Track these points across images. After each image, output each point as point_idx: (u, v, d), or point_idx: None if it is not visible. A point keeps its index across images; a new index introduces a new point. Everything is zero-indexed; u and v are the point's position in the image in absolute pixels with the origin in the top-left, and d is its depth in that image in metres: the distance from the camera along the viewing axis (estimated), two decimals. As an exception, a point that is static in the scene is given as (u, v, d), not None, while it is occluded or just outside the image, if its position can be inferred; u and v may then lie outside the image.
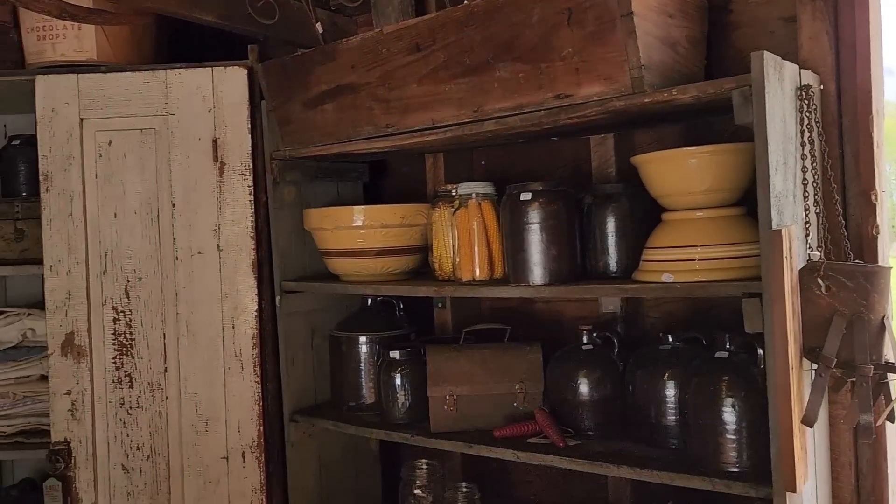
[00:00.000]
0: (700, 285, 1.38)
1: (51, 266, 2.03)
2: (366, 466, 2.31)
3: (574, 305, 2.05)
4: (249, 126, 2.03)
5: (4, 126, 2.59)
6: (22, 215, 2.22)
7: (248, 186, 2.03)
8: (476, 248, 1.71)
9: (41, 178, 2.03)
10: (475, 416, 1.81)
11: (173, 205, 2.03)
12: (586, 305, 2.01)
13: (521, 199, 1.60)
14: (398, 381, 1.92)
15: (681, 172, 1.42)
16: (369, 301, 2.14)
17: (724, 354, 1.43)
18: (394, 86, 1.73)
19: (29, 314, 2.25)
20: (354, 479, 2.26)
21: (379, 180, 2.41)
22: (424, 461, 2.06)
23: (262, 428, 2.03)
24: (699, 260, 1.39)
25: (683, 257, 1.40)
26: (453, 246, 1.78)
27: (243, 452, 2.03)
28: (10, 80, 2.05)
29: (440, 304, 2.17)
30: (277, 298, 2.07)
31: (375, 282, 1.96)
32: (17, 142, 2.39)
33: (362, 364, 2.05)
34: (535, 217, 1.59)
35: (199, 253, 2.03)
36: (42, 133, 2.03)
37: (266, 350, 2.07)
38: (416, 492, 2.00)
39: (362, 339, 2.05)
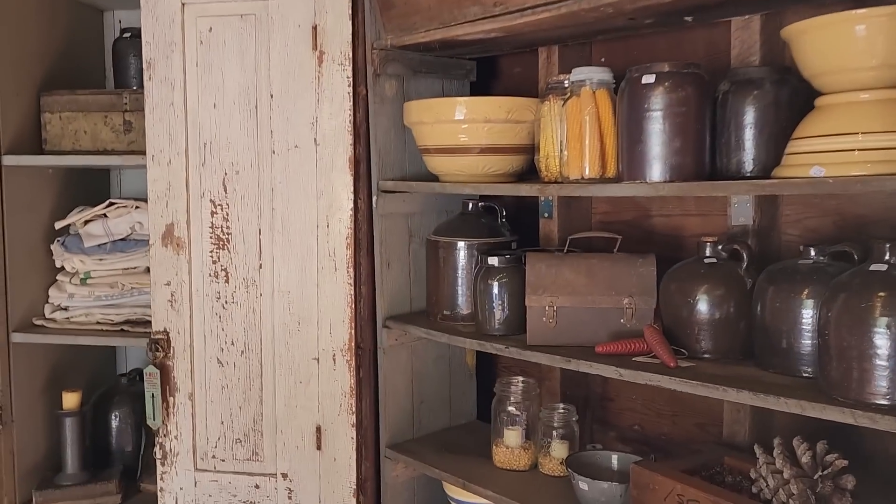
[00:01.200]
0: (859, 180, 1.14)
1: (153, 156, 2.01)
2: (460, 380, 2.21)
3: (696, 220, 1.82)
4: (350, 12, 1.90)
5: (120, 21, 2.60)
6: (130, 107, 2.22)
7: (348, 78, 1.92)
8: (587, 142, 1.52)
9: (144, 65, 1.99)
10: (576, 330, 1.65)
11: (271, 96, 1.95)
12: (711, 220, 1.78)
13: (644, 81, 1.39)
14: (496, 289, 1.78)
15: (845, 43, 1.16)
16: (470, 206, 2.00)
17: (882, 267, 1.18)
18: (503, -43, 1.54)
19: (137, 207, 2.27)
20: (447, 392, 2.17)
21: (488, 80, 2.23)
22: (520, 378, 1.93)
23: (353, 331, 1.97)
24: (860, 150, 1.14)
25: (840, 147, 1.15)
26: (561, 142, 1.59)
27: (334, 355, 1.97)
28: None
29: (546, 215, 2.00)
30: (374, 198, 1.97)
31: (476, 182, 1.81)
32: (129, 35, 2.39)
33: (459, 271, 1.92)
34: (658, 103, 1.38)
35: (296, 147, 1.95)
36: (146, 18, 1.99)
37: (360, 252, 1.98)
38: (510, 409, 1.88)
39: (461, 244, 1.92)
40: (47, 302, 2.30)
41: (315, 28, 1.92)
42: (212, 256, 2.01)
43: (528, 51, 2.05)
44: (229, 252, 2.01)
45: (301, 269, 1.97)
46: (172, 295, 2.03)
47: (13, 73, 2.17)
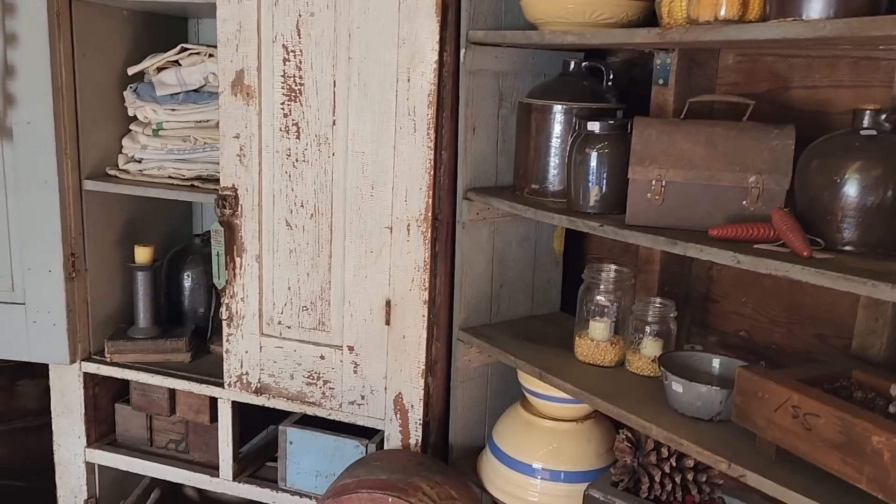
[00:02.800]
0: None
1: (223, -8, 1.82)
2: (545, 265, 2.01)
3: (849, 93, 1.49)
4: None
5: None
6: (204, -58, 2.01)
7: None
8: (726, -25, 1.21)
9: None
10: (687, 210, 1.39)
11: (353, -75, 1.70)
12: (869, 93, 1.46)
13: None
14: (594, 160, 1.54)
15: None
16: (571, 66, 1.72)
17: None
18: None
19: (210, 55, 2.11)
20: (531, 277, 1.97)
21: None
22: (613, 266, 1.70)
23: (431, 201, 1.78)
24: None
25: None
26: (692, -23, 1.29)
27: (408, 225, 1.80)
28: None
29: (660, 81, 1.70)
30: (462, 51, 1.73)
31: (581, 30, 1.53)
32: None
33: (554, 140, 1.68)
34: (827, -85, 1.06)
35: (378, -14, 1.71)
36: None
37: (443, 112, 1.76)
38: (599, 298, 1.67)
39: (557, 108, 1.66)
40: (121, 152, 2.22)
41: None
42: (283, 109, 1.84)
43: None
44: (301, 105, 1.83)
45: (377, 127, 1.78)
46: (241, 149, 1.89)
47: None
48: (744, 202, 1.36)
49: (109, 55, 2.16)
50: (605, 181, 1.54)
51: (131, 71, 2.17)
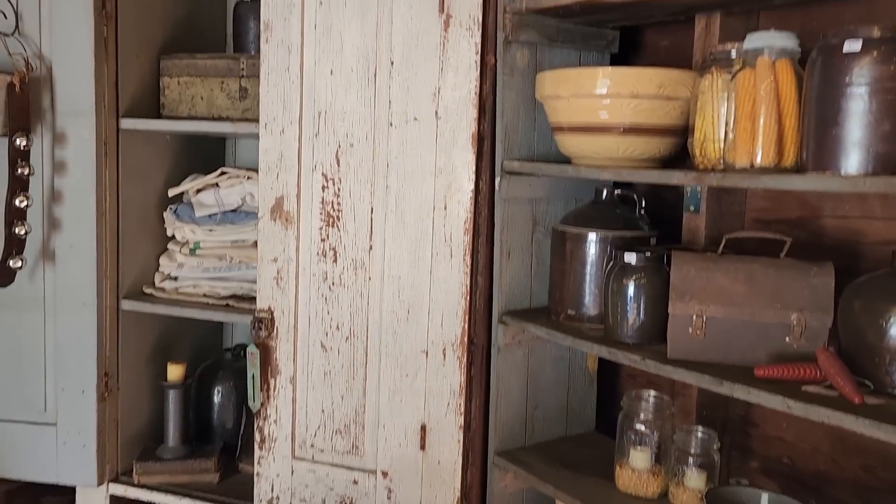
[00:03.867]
0: None
1: (265, 124, 1.90)
2: (579, 385, 2.00)
3: (881, 225, 1.52)
4: (482, -30, 1.71)
5: (242, -15, 2.52)
6: (247, 72, 2.12)
7: (475, 45, 1.73)
8: (761, 122, 1.26)
9: (262, 26, 1.88)
10: (729, 346, 1.40)
11: (391, 63, 1.79)
12: (900, 225, 1.48)
13: (846, 50, 1.12)
14: (631, 290, 1.55)
15: None
16: (604, 193, 1.77)
17: None
18: None
19: (249, 177, 2.18)
20: (565, 397, 1.96)
21: (630, 54, 1.98)
22: (652, 392, 1.69)
23: (467, 325, 1.79)
24: None
25: None
26: (726, 122, 1.34)
27: (444, 349, 1.81)
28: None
29: (691, 208, 1.74)
30: (497, 180, 1.78)
31: (616, 166, 1.58)
32: (250, -1, 2.29)
33: (589, 267, 1.70)
34: (863, 77, 1.10)
35: (415, 119, 1.78)
36: (265, -23, 1.87)
37: (479, 238, 1.80)
38: (639, 427, 1.65)
39: (592, 235, 1.70)
40: (157, 270, 2.26)
41: (443, -12, 1.73)
42: (321, 234, 1.89)
43: (681, 19, 1.79)
44: (339, 230, 1.87)
45: (414, 253, 1.81)
46: (279, 272, 1.93)
47: (136, 35, 2.12)
48: (787, 339, 1.36)
49: (151, 178, 2.24)
50: (643, 311, 1.55)
51: (172, 193, 2.24)
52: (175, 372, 2.17)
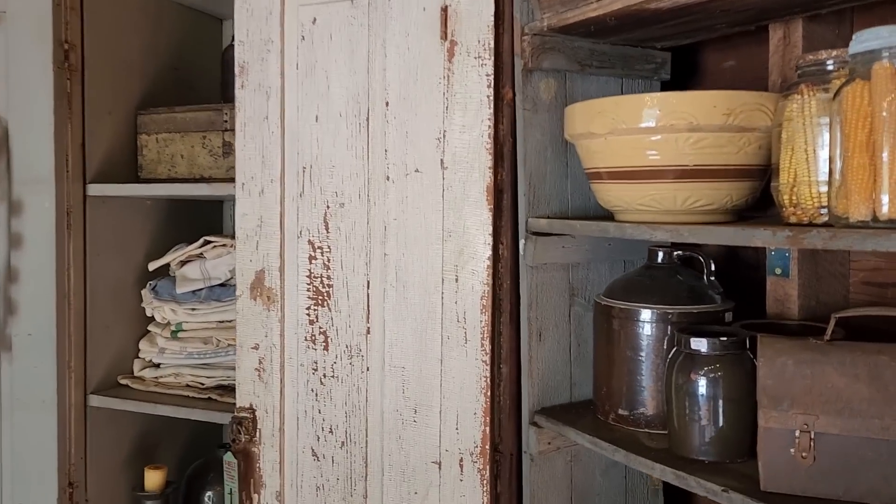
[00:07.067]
0: None
1: (242, 184, 1.58)
2: (639, 497, 1.57)
3: None
4: (492, -16, 1.37)
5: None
6: (230, 125, 1.82)
7: (487, 76, 1.38)
8: (885, 153, 0.86)
9: (237, 70, 1.58)
10: (853, 475, 0.97)
11: (386, 104, 1.45)
12: None
13: None
14: (703, 388, 1.15)
15: None
16: (660, 255, 1.37)
17: None
18: None
19: (234, 245, 1.86)
20: (622, 519, 1.54)
21: (685, 80, 1.60)
22: (737, 520, 1.26)
23: (489, 428, 1.40)
24: None
25: None
26: (830, 158, 0.94)
27: (461, 459, 1.42)
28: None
29: (777, 271, 1.33)
30: (522, 243, 1.41)
31: (674, 222, 1.19)
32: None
33: (644, 352, 1.30)
34: None
35: (416, 171, 1.44)
36: (239, 12, 1.58)
37: (501, 317, 1.42)
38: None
39: (646, 313, 1.30)
40: (137, 356, 1.95)
41: (445, 9, 1.40)
42: (308, 315, 1.54)
43: (751, 30, 1.41)
44: (329, 310, 1.52)
45: (420, 337, 1.44)
46: (261, 362, 1.58)
47: (108, 89, 1.86)
48: (939, 466, 0.93)
49: (129, 250, 1.95)
50: (721, 416, 1.14)
51: (152, 266, 1.94)
52: (153, 479, 1.83)
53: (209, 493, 1.98)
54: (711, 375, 1.15)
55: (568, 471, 1.47)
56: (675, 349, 1.21)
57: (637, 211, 1.24)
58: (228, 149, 1.83)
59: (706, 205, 1.19)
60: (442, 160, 1.42)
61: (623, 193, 1.24)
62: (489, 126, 1.38)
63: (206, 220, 2.19)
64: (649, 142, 1.17)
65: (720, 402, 1.14)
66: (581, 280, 1.49)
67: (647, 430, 1.29)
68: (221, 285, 1.91)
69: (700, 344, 1.16)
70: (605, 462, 1.51)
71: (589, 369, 1.48)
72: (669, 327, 1.28)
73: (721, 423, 1.15)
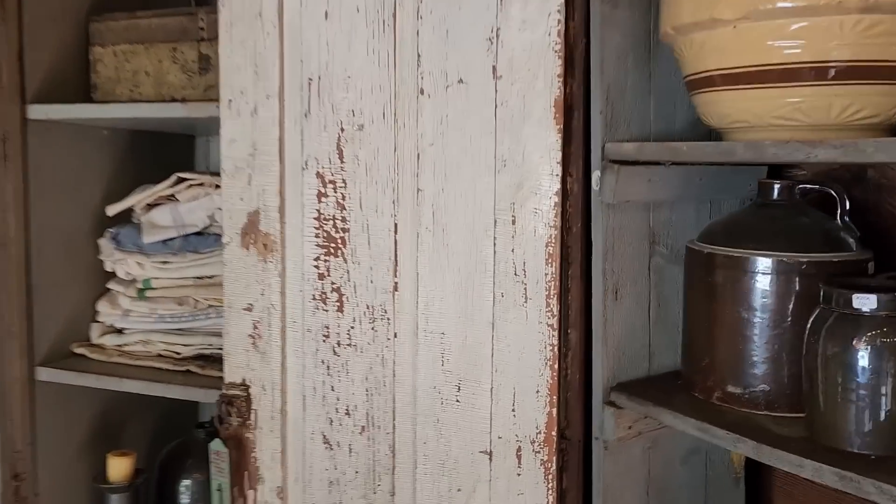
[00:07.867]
0: None
1: (230, 101, 1.24)
2: (720, 487, 1.31)
3: None
4: None
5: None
6: (209, 34, 1.47)
7: (557, -46, 1.05)
8: None
9: (219, -47, 1.22)
10: None
11: (421, -7, 1.12)
12: None
13: None
14: (865, 359, 0.87)
15: None
16: (775, 190, 1.08)
17: None
18: None
19: (217, 185, 1.52)
20: (706, 515, 1.27)
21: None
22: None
23: (555, 410, 1.11)
24: None
25: None
26: None
27: (519, 448, 1.12)
28: None
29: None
30: (596, 174, 1.10)
31: (816, 139, 0.89)
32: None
33: (758, 313, 1.01)
34: None
35: (460, 82, 1.11)
36: None
37: (569, 269, 1.12)
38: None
39: (765, 262, 1.01)
40: (95, 320, 1.61)
41: None
42: (317, 267, 1.22)
43: None
44: (345, 261, 1.20)
45: (464, 295, 1.13)
46: (256, 327, 1.26)
47: (50, -12, 1.48)
48: None
49: (82, 191, 1.59)
50: (888, 398, 0.86)
51: (111, 211, 1.59)
52: (118, 467, 1.51)
53: (187, 482, 1.66)
54: (880, 342, 0.86)
55: (646, 460, 1.19)
56: (820, 308, 0.92)
57: (770, 127, 0.94)
58: (206, 63, 1.47)
59: (869, 116, 0.89)
60: (494, 67, 1.09)
61: (752, 104, 0.94)
62: (559, 21, 1.06)
63: (175, 157, 1.83)
64: (801, 29, 0.87)
65: (890, 377, 0.86)
66: (663, 224, 1.19)
67: (768, 412, 1.01)
68: (199, 234, 1.57)
69: (865, 302, 0.87)
70: (685, 448, 1.24)
71: (671, 335, 1.19)
72: (798, 280, 0.99)
73: (888, 407, 0.87)
